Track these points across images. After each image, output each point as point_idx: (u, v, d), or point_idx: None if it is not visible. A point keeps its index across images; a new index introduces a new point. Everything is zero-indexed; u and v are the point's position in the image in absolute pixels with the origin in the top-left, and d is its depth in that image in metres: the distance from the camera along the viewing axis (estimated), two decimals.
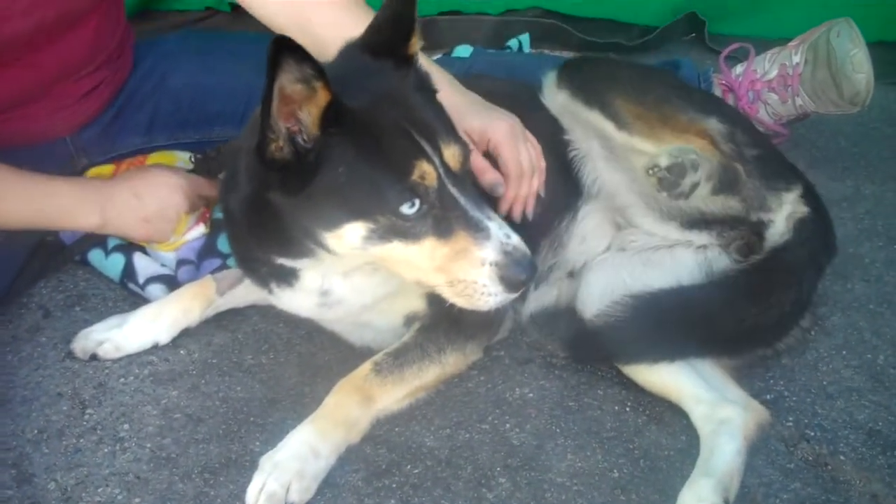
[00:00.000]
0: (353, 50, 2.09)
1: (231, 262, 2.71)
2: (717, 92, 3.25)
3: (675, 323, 2.34)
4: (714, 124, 2.46)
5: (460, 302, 1.99)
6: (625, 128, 2.48)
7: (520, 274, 1.93)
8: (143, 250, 2.81)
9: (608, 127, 2.50)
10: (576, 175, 2.57)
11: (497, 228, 1.94)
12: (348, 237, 1.95)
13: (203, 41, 3.17)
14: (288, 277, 2.21)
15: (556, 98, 2.58)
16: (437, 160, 1.92)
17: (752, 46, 3.30)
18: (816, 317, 2.59)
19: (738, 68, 3.28)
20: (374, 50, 2.05)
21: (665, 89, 2.53)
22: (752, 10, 4.06)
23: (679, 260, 2.48)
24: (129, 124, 2.92)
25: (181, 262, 2.77)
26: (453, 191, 1.94)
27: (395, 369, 2.29)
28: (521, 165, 2.30)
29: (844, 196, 3.14)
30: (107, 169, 2.88)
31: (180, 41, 3.15)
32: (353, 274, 2.19)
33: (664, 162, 2.34)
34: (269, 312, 2.62)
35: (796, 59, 3.14)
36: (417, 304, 2.37)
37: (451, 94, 2.26)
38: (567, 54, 3.94)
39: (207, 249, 2.80)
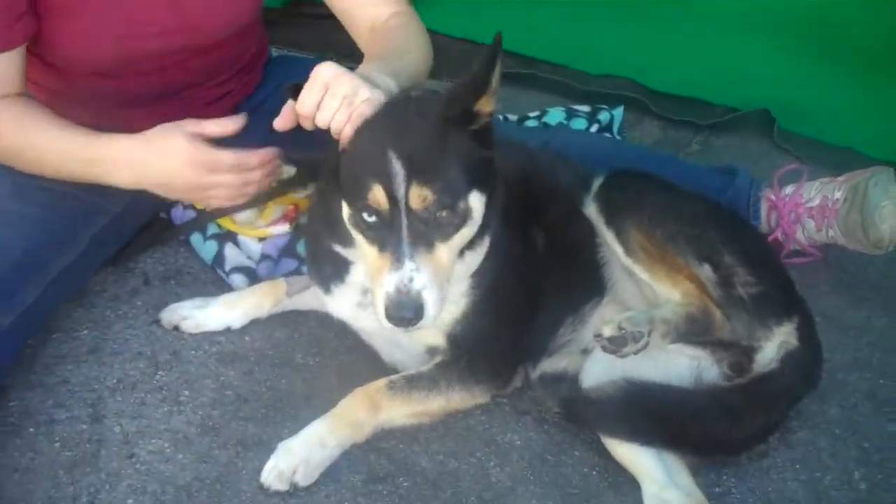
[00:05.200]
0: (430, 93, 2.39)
1: (305, 269, 3.05)
2: (764, 207, 3.47)
3: (654, 415, 2.55)
4: (706, 272, 2.67)
5: (373, 308, 2.27)
6: (630, 255, 2.73)
7: (401, 312, 2.18)
8: (235, 241, 3.15)
9: (618, 250, 2.75)
10: (602, 274, 2.84)
11: (408, 270, 2.17)
12: (345, 215, 2.31)
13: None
14: (342, 271, 2.58)
15: (590, 206, 2.83)
16: (400, 191, 2.17)
17: (805, 170, 3.50)
18: (784, 428, 2.80)
19: (789, 188, 3.47)
20: (449, 101, 2.28)
21: (679, 225, 2.72)
22: (823, 112, 4.18)
23: (674, 362, 2.71)
24: (247, 136, 3.08)
25: (264, 257, 3.12)
26: (403, 221, 2.18)
27: (405, 390, 2.59)
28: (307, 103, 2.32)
29: (855, 325, 3.28)
30: None
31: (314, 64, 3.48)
32: None
33: (607, 332, 2.54)
34: (325, 320, 2.93)
35: (838, 194, 3.33)
36: (438, 340, 2.62)
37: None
38: (649, 124, 4.23)
39: (288, 249, 3.14)
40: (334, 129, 2.30)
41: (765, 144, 4.23)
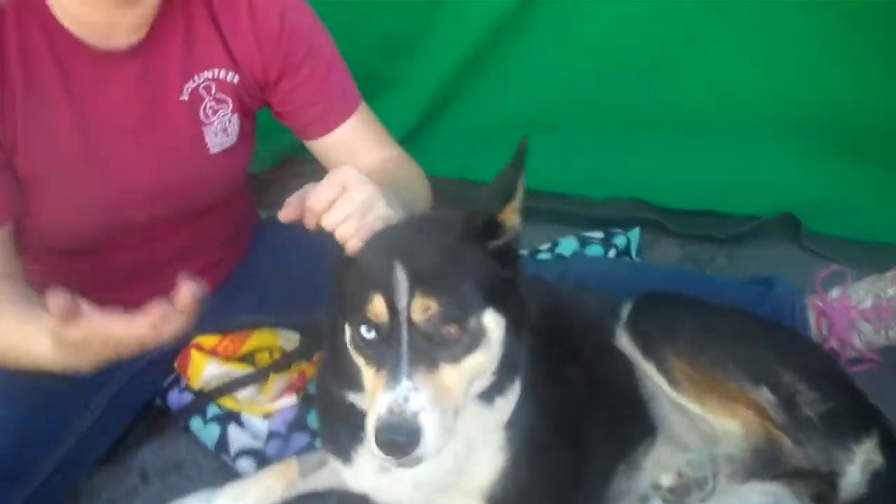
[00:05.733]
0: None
1: (319, 442, 2.81)
2: (812, 315, 3.26)
3: None
4: (765, 395, 2.43)
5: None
6: (676, 387, 2.50)
7: (391, 436, 1.86)
8: (238, 420, 2.93)
9: (662, 382, 2.53)
10: (649, 411, 2.61)
11: (404, 390, 1.87)
12: (347, 339, 2.05)
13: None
14: (357, 431, 2.25)
15: (621, 338, 2.62)
16: (402, 301, 1.92)
17: (848, 271, 3.30)
18: None
19: (834, 292, 3.27)
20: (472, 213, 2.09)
21: (725, 348, 2.51)
22: (849, 210, 4.01)
23: (746, 500, 2.45)
24: (241, 304, 3.04)
25: (272, 435, 2.86)
26: (403, 335, 1.92)
27: None
28: (321, 198, 2.13)
29: None
30: (211, 339, 3.01)
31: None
32: None
33: (666, 482, 2.36)
34: (345, 498, 2.66)
35: (891, 291, 3.15)
36: None
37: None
38: (666, 243, 4.04)
39: (297, 423, 2.88)
40: (339, 236, 2.10)
41: (793, 250, 4.01)
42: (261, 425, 2.91)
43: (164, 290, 2.50)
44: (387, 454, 1.88)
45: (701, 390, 2.50)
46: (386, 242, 2.03)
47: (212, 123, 2.74)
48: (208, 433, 2.92)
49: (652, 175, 4.23)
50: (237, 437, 2.89)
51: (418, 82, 4.36)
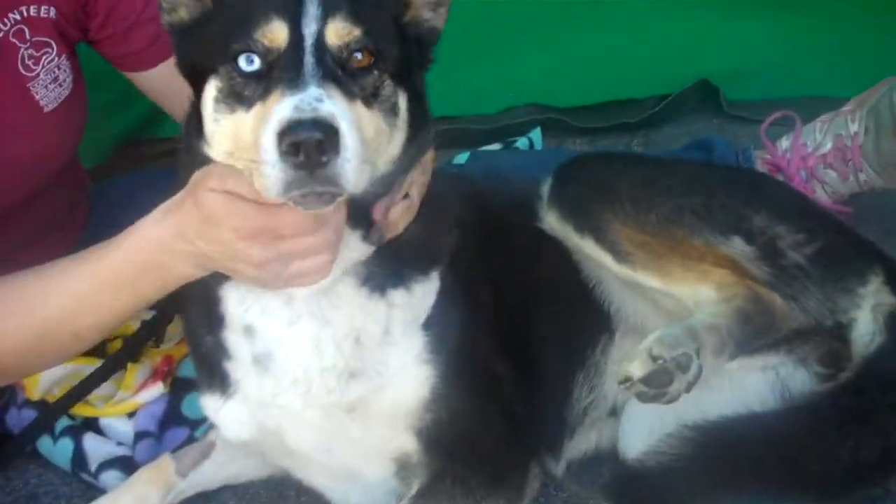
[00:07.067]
0: None
1: (201, 431, 2.39)
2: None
3: (748, 460, 1.92)
4: (738, 246, 2.08)
5: (255, 181, 1.64)
6: (625, 261, 2.11)
7: (303, 131, 1.54)
8: (96, 429, 2.54)
9: (606, 260, 2.13)
10: (598, 299, 2.23)
11: (316, 93, 1.60)
12: (209, 103, 1.77)
13: (161, 178, 2.87)
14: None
15: (547, 217, 2.24)
16: (311, 25, 1.71)
17: (796, 115, 2.92)
18: None
19: (784, 142, 2.92)
20: None
21: (677, 199, 2.14)
22: (767, 68, 3.72)
23: (745, 383, 2.10)
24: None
25: (139, 436, 2.49)
26: (307, 58, 1.68)
27: None
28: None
29: None
30: None
31: (133, 181, 2.92)
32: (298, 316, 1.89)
33: (638, 372, 1.88)
34: (246, 494, 2.29)
35: (854, 127, 2.78)
36: (407, 443, 2.00)
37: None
38: (574, 142, 3.72)
39: (170, 416, 2.53)
40: None
41: (714, 121, 3.73)
42: (124, 428, 2.54)
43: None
44: (297, 168, 1.55)
45: (657, 256, 2.10)
46: None
47: (37, 75, 2.35)
48: (61, 451, 2.52)
49: (546, 77, 3.84)
50: (96, 449, 2.50)
51: None
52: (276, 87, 1.64)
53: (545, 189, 2.28)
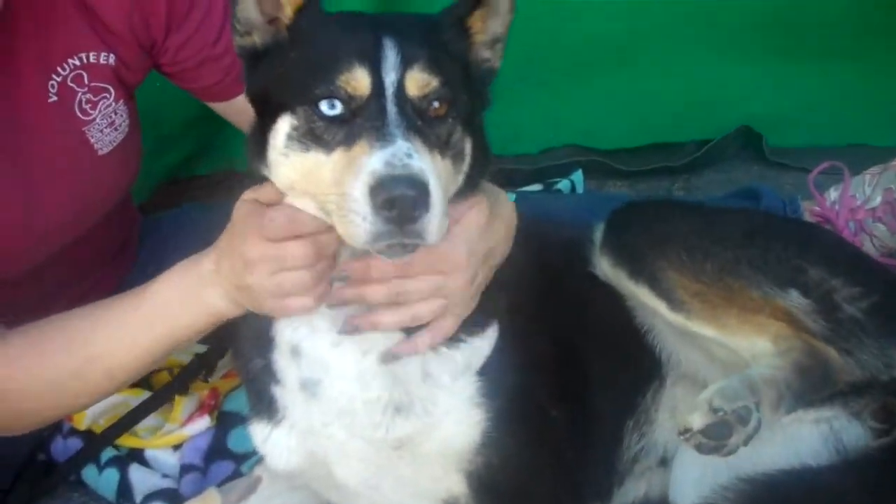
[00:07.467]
0: None
1: (248, 465, 2.38)
2: None
3: None
4: (795, 299, 2.05)
5: (339, 227, 1.68)
6: (680, 309, 2.08)
7: (397, 188, 1.58)
8: (142, 460, 2.56)
9: (660, 307, 2.10)
10: (650, 346, 2.20)
11: (405, 147, 1.64)
12: (279, 136, 1.78)
13: (202, 213, 2.95)
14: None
15: (600, 263, 2.21)
16: (390, 75, 1.73)
17: (845, 166, 2.92)
18: None
19: (833, 193, 2.91)
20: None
21: (734, 250, 2.11)
22: (809, 114, 3.73)
23: (798, 436, 2.05)
24: None
25: (185, 469, 2.52)
26: (389, 106, 1.71)
27: None
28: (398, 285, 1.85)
29: None
30: None
31: (177, 219, 2.97)
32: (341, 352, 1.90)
33: (697, 423, 1.87)
34: None
35: None
36: (455, 485, 1.99)
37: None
38: (614, 184, 3.73)
39: (216, 450, 2.54)
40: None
41: (755, 167, 3.73)
42: (170, 459, 2.57)
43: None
44: (388, 220, 1.59)
45: (712, 306, 2.07)
46: (352, 22, 1.89)
47: (94, 119, 2.35)
48: (106, 481, 2.54)
49: (587, 119, 3.85)
50: (141, 480, 2.52)
51: None
52: (361, 136, 1.67)
53: (598, 234, 2.26)
